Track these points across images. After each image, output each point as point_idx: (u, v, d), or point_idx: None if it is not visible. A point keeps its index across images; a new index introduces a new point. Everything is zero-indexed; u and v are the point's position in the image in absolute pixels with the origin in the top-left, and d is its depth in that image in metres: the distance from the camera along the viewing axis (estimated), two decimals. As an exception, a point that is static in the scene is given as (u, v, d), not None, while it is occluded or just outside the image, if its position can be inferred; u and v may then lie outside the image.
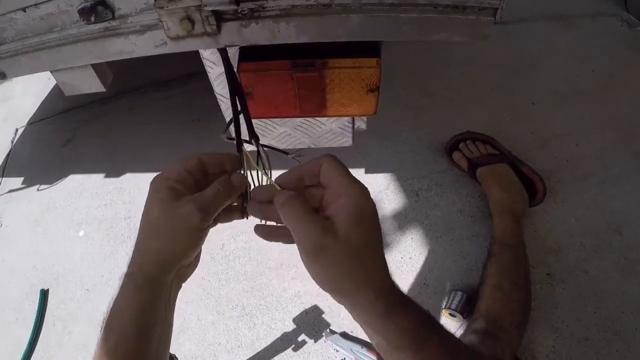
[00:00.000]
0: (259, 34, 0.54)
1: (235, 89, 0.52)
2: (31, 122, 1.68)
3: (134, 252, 0.46)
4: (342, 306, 0.41)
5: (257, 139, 0.54)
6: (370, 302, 0.38)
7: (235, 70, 0.63)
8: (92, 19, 0.55)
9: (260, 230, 0.46)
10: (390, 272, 0.40)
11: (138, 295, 0.44)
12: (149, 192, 0.45)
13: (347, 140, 0.91)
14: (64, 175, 1.44)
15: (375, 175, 1.27)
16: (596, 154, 1.24)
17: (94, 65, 0.64)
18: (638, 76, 1.41)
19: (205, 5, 0.47)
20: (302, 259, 0.38)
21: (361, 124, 0.93)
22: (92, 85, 0.66)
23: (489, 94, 1.42)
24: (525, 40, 1.57)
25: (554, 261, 1.06)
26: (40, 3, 0.58)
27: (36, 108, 1.72)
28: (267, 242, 0.46)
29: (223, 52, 0.53)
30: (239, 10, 0.51)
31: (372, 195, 0.40)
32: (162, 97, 1.60)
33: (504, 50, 1.54)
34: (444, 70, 1.50)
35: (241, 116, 0.55)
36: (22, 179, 1.47)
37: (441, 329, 0.42)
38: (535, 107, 1.37)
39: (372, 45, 0.65)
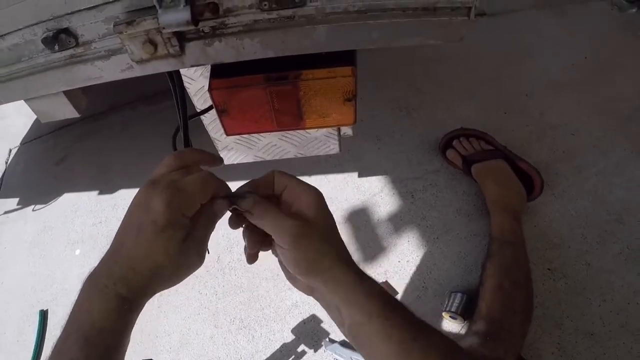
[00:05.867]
0: (223, 51, 0.52)
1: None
2: (24, 142, 1.68)
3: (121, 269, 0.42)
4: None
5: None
6: (343, 274, 0.44)
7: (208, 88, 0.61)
8: (56, 47, 0.54)
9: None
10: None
11: (128, 317, 0.44)
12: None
13: (334, 148, 0.90)
14: (59, 194, 1.44)
15: (368, 178, 1.24)
16: (594, 142, 1.21)
17: (65, 92, 0.63)
18: (631, 59, 1.37)
19: (164, 28, 0.45)
20: (283, 252, 0.43)
21: (347, 130, 0.91)
22: (66, 111, 0.65)
23: (480, 88, 1.39)
24: (515, 32, 1.53)
25: (555, 256, 1.04)
26: (5, 34, 0.57)
27: (28, 127, 1.72)
28: (262, 252, 0.51)
29: (170, 75, 0.51)
30: (200, 30, 0.49)
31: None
32: (151, 111, 1.58)
33: (494, 43, 1.50)
34: (433, 67, 1.47)
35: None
36: (17, 199, 1.47)
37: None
38: (529, 99, 1.34)
39: (346, 53, 0.63)
